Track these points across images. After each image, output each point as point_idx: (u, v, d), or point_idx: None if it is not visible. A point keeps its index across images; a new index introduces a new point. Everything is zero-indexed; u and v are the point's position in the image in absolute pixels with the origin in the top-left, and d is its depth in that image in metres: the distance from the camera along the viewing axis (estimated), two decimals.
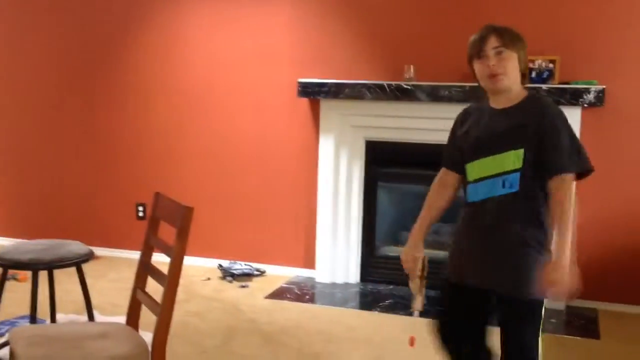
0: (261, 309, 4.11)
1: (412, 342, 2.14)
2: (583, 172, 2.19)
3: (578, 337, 3.79)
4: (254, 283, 4.63)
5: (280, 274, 4.80)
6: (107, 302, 4.09)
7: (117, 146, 5.14)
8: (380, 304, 4.25)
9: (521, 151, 2.15)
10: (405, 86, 4.28)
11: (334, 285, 4.64)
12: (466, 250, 2.30)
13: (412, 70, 4.31)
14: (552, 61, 4.11)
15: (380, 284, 4.59)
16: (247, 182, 4.88)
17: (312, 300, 4.35)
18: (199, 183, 4.96)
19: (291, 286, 4.58)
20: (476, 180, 2.25)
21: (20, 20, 5.24)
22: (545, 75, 4.11)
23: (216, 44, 4.83)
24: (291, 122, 4.73)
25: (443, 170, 2.42)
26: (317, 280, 4.69)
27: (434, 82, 4.23)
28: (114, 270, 4.80)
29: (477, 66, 2.24)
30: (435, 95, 4.21)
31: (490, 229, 2.22)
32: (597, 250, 4.23)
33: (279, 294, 4.40)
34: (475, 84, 2.34)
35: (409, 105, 4.33)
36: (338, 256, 4.65)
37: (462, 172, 2.34)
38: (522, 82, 2.28)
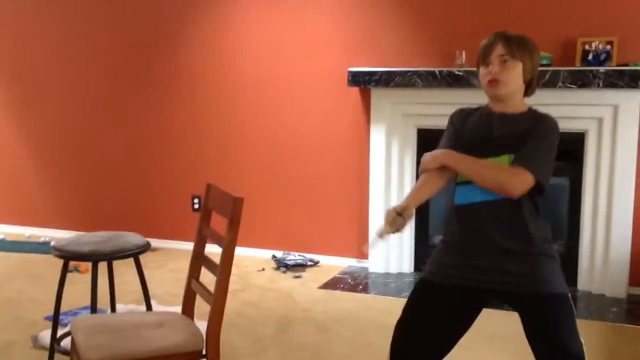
0: (315, 299, 4.14)
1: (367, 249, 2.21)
2: (537, 185, 2.13)
3: None
4: (308, 273, 4.66)
5: (333, 264, 4.82)
6: (165, 292, 4.19)
7: (172, 140, 5.23)
8: None
9: (514, 156, 2.15)
10: (457, 72, 4.22)
11: (387, 275, 4.63)
12: (468, 251, 2.22)
13: (463, 56, 4.24)
14: (610, 42, 3.98)
15: None
16: (299, 173, 4.90)
17: (365, 290, 4.35)
18: (253, 175, 5.01)
19: (344, 276, 4.59)
20: (470, 182, 2.21)
21: (81, 16, 5.38)
22: (602, 57, 3.98)
23: (266, 34, 4.86)
24: (342, 112, 4.73)
25: None
26: (371, 270, 4.69)
27: None
28: (171, 262, 4.91)
29: (481, 71, 2.26)
30: None
31: (492, 233, 2.17)
32: None
33: (332, 284, 4.42)
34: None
35: (461, 92, 4.26)
36: (391, 246, 4.63)
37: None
38: (528, 92, 2.27)
